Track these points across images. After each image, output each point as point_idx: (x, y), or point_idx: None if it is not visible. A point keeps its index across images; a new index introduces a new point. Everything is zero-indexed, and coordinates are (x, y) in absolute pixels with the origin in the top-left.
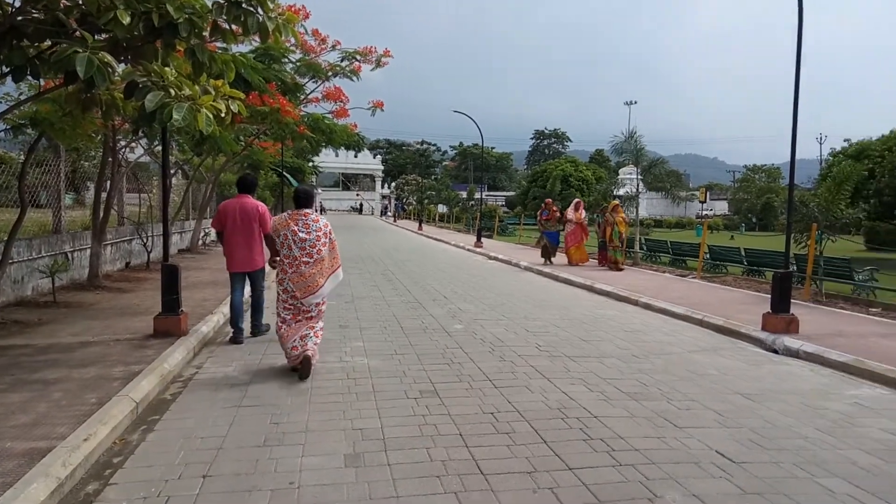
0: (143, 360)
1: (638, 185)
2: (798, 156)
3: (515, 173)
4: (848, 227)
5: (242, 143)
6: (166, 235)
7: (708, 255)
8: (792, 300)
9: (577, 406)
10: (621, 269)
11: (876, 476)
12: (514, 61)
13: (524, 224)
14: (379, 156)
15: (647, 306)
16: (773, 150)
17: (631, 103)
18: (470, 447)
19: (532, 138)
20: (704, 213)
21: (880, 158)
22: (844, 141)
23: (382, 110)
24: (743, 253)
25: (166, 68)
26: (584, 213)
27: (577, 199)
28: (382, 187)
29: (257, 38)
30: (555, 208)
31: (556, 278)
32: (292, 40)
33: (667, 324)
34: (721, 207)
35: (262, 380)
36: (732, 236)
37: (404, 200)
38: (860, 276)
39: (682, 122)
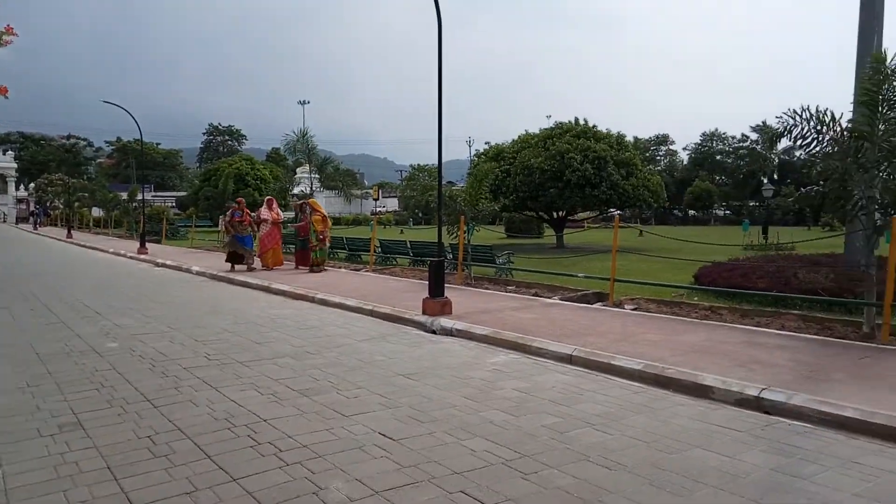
0: None
1: (312, 184)
2: (454, 156)
3: (187, 172)
4: (489, 218)
5: None
6: None
7: (379, 249)
8: (447, 285)
9: (246, 412)
10: (324, 270)
11: (507, 430)
12: (188, 53)
13: (197, 226)
14: (11, 151)
15: (324, 302)
16: (435, 151)
17: (304, 102)
18: (120, 480)
19: (205, 134)
20: (378, 209)
21: (513, 159)
22: (485, 144)
23: (7, 97)
24: (409, 245)
25: None
26: (279, 212)
27: (269, 197)
28: (17, 189)
29: None
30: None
31: (231, 282)
32: None
33: (341, 317)
34: (393, 204)
35: None
36: (402, 230)
37: (48, 204)
38: (500, 260)
39: (355, 122)
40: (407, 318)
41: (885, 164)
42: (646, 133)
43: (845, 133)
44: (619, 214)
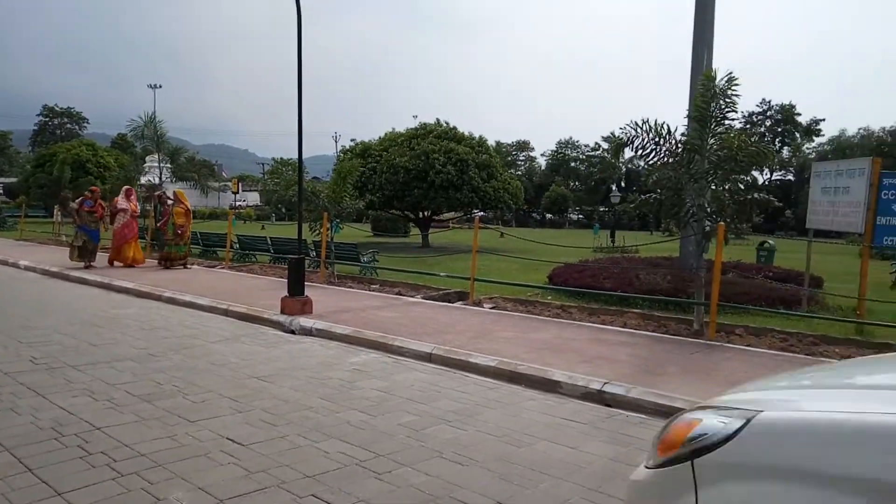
0: None
1: (162, 174)
2: (320, 151)
3: (17, 156)
4: (354, 216)
5: None
6: None
7: (237, 245)
8: (309, 283)
9: (77, 421)
10: (185, 267)
11: (364, 430)
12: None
13: (28, 216)
14: None
15: (172, 300)
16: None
17: (156, 87)
18: None
19: (40, 115)
20: (238, 203)
21: (379, 157)
22: (351, 140)
23: None
24: (270, 242)
25: None
26: (137, 203)
27: (126, 186)
28: None
29: None
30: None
31: (67, 278)
32: None
33: (192, 317)
34: (254, 198)
35: None
36: (263, 226)
37: None
38: (365, 259)
39: (214, 111)
40: (264, 318)
41: (712, 175)
42: (508, 138)
43: (679, 146)
44: (481, 216)
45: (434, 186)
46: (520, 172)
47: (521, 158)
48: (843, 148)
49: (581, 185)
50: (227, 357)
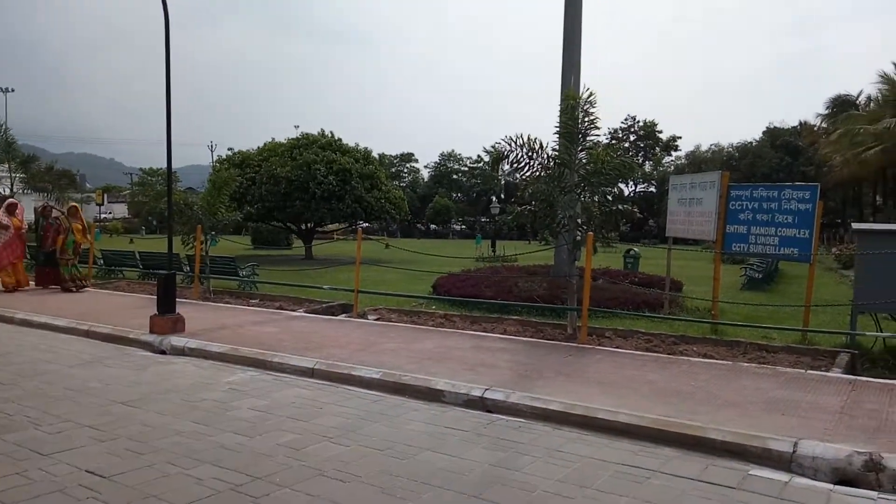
0: None
1: (13, 184)
2: (195, 161)
3: None
4: (231, 228)
5: None
6: None
7: (101, 261)
8: (182, 299)
9: None
10: (82, 290)
11: (240, 453)
12: None
13: None
14: None
15: (26, 322)
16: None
17: (7, 90)
18: None
19: None
20: (104, 216)
21: (259, 167)
22: (228, 150)
23: None
24: (138, 256)
25: None
26: (24, 218)
27: (10, 200)
28: None
29: None
30: None
31: None
32: None
33: (46, 339)
34: (121, 210)
35: None
36: (132, 240)
37: None
38: (244, 273)
39: (78, 118)
40: (131, 339)
41: (581, 188)
42: (392, 150)
43: (551, 160)
44: (365, 227)
45: (316, 197)
46: (404, 184)
47: (405, 170)
48: (697, 162)
49: (464, 197)
50: (88, 382)
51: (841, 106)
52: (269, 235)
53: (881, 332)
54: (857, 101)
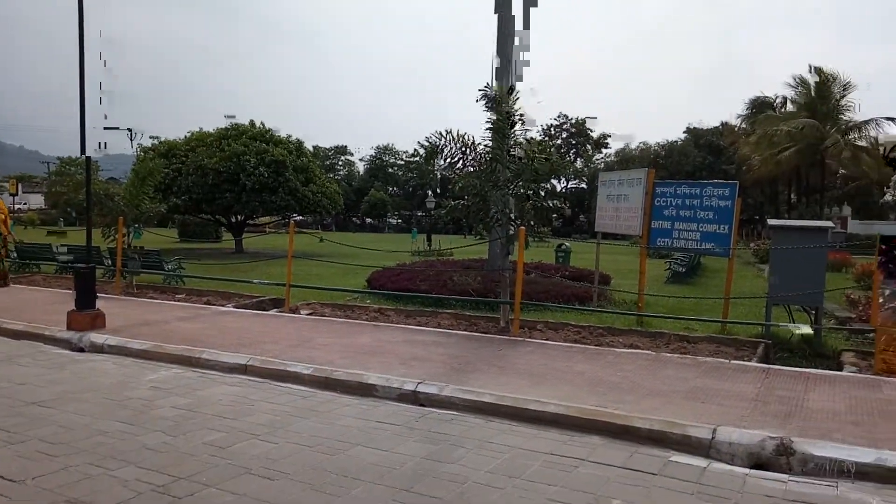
0: None
1: None
2: (119, 150)
3: None
4: (156, 220)
5: None
6: None
7: (15, 254)
8: (103, 294)
9: None
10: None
11: (164, 452)
12: None
13: None
14: None
15: None
16: (91, 143)
17: None
18: None
19: None
20: (18, 207)
21: (185, 158)
22: (152, 138)
23: None
24: (55, 250)
25: None
26: None
27: None
28: None
29: None
30: None
31: None
32: None
33: None
34: (37, 201)
35: None
36: (48, 231)
37: None
38: (170, 266)
39: None
40: (47, 336)
41: (513, 184)
42: (327, 142)
43: (483, 155)
44: (299, 220)
45: (247, 189)
46: (339, 177)
47: (339, 163)
48: (626, 160)
49: (400, 191)
50: None
51: (759, 107)
52: (197, 228)
53: (793, 322)
54: (774, 103)
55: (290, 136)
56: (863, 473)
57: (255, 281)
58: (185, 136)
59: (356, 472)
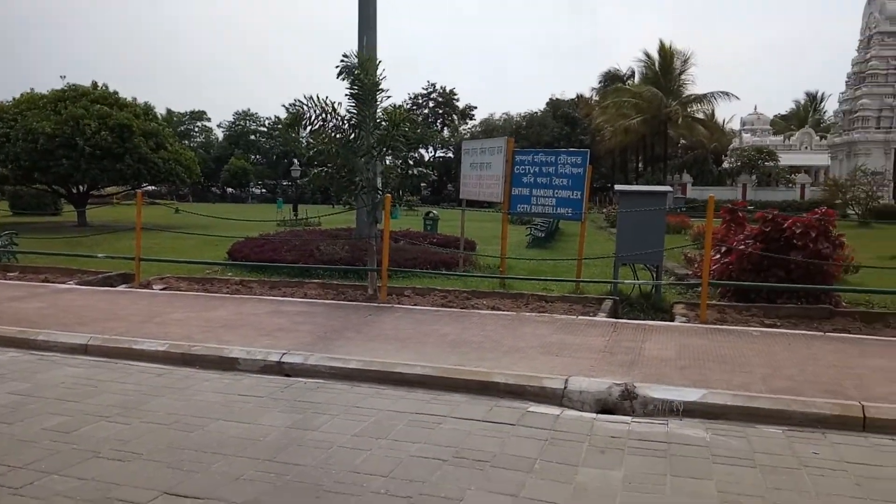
0: None
1: None
2: None
3: None
4: None
5: None
6: None
7: None
8: None
9: None
10: None
11: None
12: None
13: None
14: None
15: None
16: None
17: None
18: None
19: None
20: None
21: (14, 122)
22: None
23: None
24: None
25: None
26: None
27: None
28: None
29: None
30: None
31: None
32: None
33: None
34: None
35: None
36: None
37: None
38: (0, 242)
39: None
40: None
41: (377, 151)
42: (181, 107)
43: (345, 122)
44: (151, 190)
45: (85, 155)
46: (195, 144)
47: (195, 129)
48: (490, 130)
49: (263, 159)
50: None
51: (611, 80)
52: (32, 200)
53: (637, 279)
54: (625, 77)
55: (135, 99)
56: (689, 411)
57: (100, 255)
58: (14, 99)
59: (216, 446)
